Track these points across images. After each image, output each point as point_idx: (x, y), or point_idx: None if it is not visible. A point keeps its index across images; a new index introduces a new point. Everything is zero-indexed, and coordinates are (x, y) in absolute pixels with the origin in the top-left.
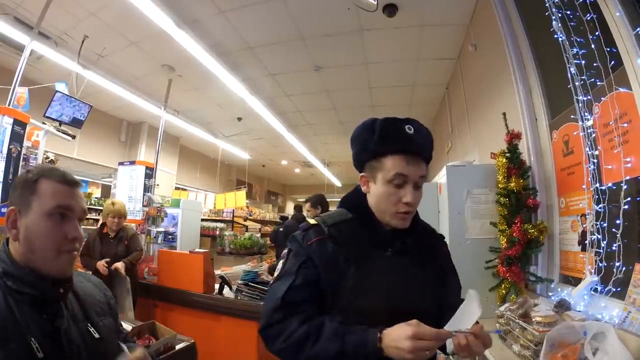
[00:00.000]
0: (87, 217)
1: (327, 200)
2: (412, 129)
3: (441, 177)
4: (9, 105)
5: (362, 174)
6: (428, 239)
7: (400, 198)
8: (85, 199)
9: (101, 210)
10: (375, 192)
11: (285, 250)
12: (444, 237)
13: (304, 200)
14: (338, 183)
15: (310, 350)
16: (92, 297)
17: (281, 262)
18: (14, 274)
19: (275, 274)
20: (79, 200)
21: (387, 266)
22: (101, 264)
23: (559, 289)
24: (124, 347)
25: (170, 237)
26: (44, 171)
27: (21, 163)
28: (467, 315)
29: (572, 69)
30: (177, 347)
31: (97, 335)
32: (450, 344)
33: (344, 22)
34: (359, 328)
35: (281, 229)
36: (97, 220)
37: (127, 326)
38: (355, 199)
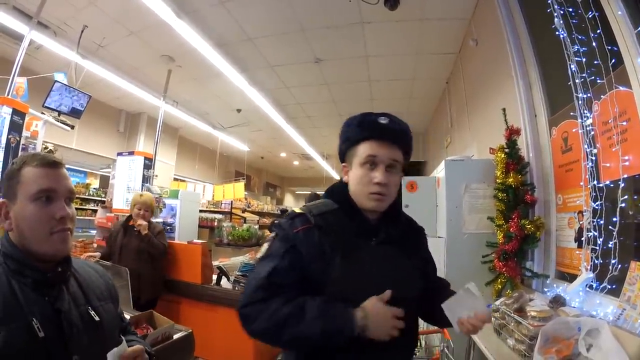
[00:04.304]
0: (86, 207)
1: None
2: (387, 119)
3: (440, 172)
4: (7, 95)
5: (343, 164)
6: (411, 230)
7: (372, 179)
8: (70, 178)
9: (99, 201)
10: (352, 177)
11: (272, 235)
12: (423, 229)
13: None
14: (337, 176)
15: (293, 328)
16: (93, 283)
17: (266, 244)
18: (14, 256)
19: (259, 255)
20: (62, 181)
21: (372, 256)
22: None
23: (555, 285)
24: (123, 339)
25: (168, 227)
26: (26, 158)
27: (20, 153)
28: (470, 304)
29: (572, 66)
30: (175, 336)
31: (97, 318)
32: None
33: (345, 14)
34: (341, 305)
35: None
36: (95, 211)
37: (126, 316)
38: (339, 190)
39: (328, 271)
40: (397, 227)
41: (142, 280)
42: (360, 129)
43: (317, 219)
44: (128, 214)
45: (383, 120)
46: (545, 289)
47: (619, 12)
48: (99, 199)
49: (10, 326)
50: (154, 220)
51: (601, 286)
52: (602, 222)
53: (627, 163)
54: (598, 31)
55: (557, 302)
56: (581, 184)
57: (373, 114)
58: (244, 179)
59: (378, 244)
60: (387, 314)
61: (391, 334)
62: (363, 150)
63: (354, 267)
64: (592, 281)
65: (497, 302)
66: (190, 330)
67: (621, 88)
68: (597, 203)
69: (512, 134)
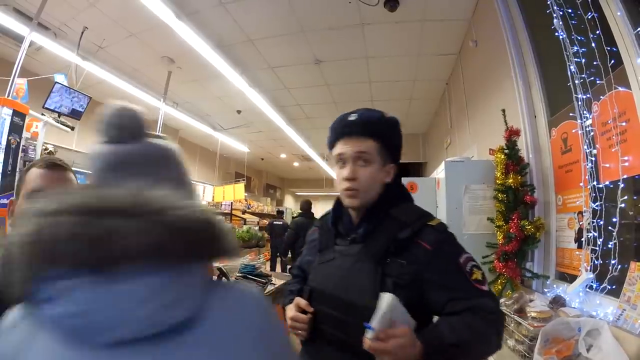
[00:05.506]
0: None
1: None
2: (356, 115)
3: (439, 173)
4: (8, 96)
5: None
6: (395, 232)
7: (342, 176)
8: (71, 181)
9: None
10: (335, 178)
11: None
12: (436, 230)
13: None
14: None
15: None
16: None
17: None
18: None
19: None
20: (57, 182)
21: (337, 254)
22: None
23: (555, 286)
24: None
25: None
26: (36, 160)
27: (20, 154)
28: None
29: (572, 67)
30: None
31: None
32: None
33: (345, 16)
34: (290, 298)
35: (279, 223)
36: None
37: None
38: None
39: (313, 263)
40: (367, 226)
41: None
42: (331, 131)
43: (318, 222)
44: None
45: (352, 117)
46: (545, 290)
47: (618, 13)
48: None
49: None
50: None
51: (601, 287)
52: (601, 222)
53: (626, 164)
54: (597, 32)
55: (557, 302)
56: (581, 184)
57: (345, 114)
58: (244, 180)
59: (350, 244)
60: (288, 315)
61: (297, 334)
62: (335, 151)
63: (322, 263)
64: (592, 282)
65: None
66: None
67: (620, 89)
68: (596, 204)
69: (512, 134)
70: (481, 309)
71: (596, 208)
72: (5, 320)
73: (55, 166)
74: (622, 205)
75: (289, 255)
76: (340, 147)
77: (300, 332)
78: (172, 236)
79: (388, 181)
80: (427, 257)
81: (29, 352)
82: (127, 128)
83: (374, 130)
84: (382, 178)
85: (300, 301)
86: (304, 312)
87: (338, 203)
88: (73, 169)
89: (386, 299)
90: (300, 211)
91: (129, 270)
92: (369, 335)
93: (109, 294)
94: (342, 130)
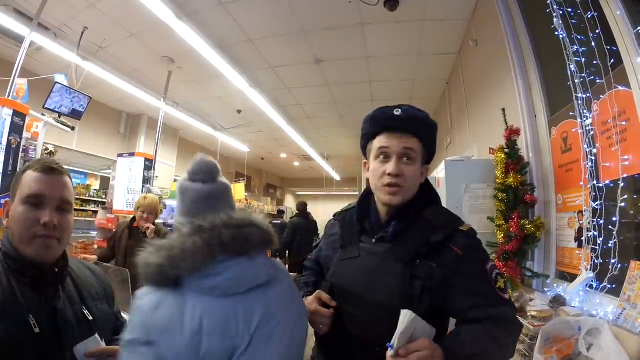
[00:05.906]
0: (86, 209)
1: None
2: (400, 111)
3: (440, 172)
4: (8, 96)
5: (364, 161)
6: (427, 234)
7: (384, 170)
8: (68, 187)
9: (100, 202)
10: (370, 172)
11: None
12: (467, 236)
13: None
14: (337, 177)
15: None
16: (89, 283)
17: None
18: (13, 256)
19: None
20: (55, 188)
21: (362, 252)
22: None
23: (555, 285)
24: (96, 334)
25: (169, 229)
26: (33, 162)
27: (21, 154)
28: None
29: (572, 67)
30: None
31: (90, 318)
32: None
33: (345, 15)
34: (305, 291)
35: (277, 222)
36: (96, 212)
37: (127, 316)
38: (366, 188)
39: (333, 259)
40: (397, 226)
41: None
42: (373, 123)
43: (339, 216)
44: (132, 216)
45: (397, 112)
46: (546, 289)
47: (618, 12)
48: (100, 200)
49: (9, 322)
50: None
51: (601, 286)
52: (602, 221)
53: (626, 163)
54: (597, 31)
55: (557, 301)
56: (581, 183)
57: (388, 107)
58: (244, 180)
59: (377, 242)
60: (310, 310)
61: (317, 329)
62: (377, 144)
63: (344, 260)
64: (592, 281)
65: None
66: None
67: (620, 88)
68: (597, 203)
69: (512, 134)
70: (502, 318)
71: (596, 207)
72: (145, 305)
73: (51, 170)
74: (622, 204)
75: (287, 255)
76: (383, 141)
77: (322, 326)
78: (267, 236)
79: (422, 182)
80: (457, 263)
81: (188, 308)
82: (210, 173)
83: (420, 130)
84: (419, 178)
85: (323, 295)
86: (325, 306)
87: (366, 198)
88: (73, 168)
89: (405, 317)
90: (297, 212)
91: (255, 253)
92: (389, 353)
93: (249, 265)
94: (386, 123)
